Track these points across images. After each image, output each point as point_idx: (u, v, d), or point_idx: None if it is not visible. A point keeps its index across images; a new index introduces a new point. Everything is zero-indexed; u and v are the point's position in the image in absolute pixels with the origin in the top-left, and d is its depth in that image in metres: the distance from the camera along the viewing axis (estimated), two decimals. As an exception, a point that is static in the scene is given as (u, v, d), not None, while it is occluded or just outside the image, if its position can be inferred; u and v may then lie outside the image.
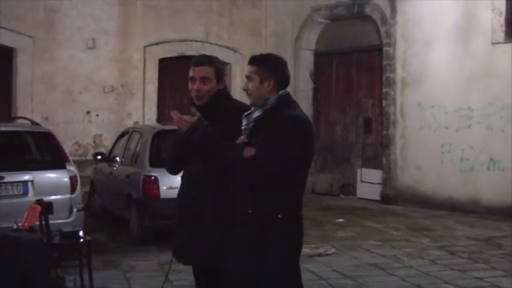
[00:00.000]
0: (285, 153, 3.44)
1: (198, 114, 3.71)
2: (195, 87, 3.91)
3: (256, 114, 3.58)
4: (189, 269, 4.23)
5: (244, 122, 3.62)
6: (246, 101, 3.81)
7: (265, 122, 3.53)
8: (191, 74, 3.93)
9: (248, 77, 3.64)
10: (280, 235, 3.48)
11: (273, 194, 3.47)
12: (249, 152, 3.47)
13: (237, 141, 3.60)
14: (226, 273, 3.58)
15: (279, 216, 3.47)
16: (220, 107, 3.92)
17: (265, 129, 3.49)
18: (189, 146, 3.75)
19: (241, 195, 3.55)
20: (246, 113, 3.64)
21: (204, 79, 3.90)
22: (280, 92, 3.61)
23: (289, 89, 3.72)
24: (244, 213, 3.51)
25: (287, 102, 3.61)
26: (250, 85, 3.63)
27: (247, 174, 3.46)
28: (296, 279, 3.57)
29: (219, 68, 4.00)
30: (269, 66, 3.64)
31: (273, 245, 3.46)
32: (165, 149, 4.23)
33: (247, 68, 3.68)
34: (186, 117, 3.70)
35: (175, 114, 3.70)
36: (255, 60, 3.66)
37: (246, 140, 3.58)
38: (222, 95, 3.98)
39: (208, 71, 3.92)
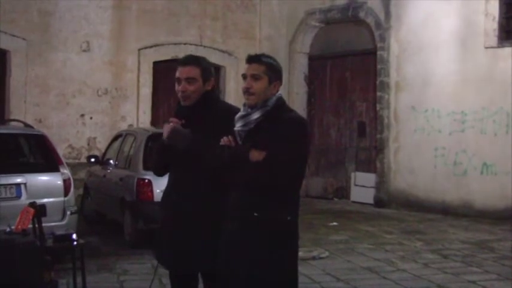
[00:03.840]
0: (299, 155, 3.46)
1: (177, 122, 3.74)
2: (180, 88, 3.85)
3: (256, 115, 3.50)
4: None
5: (239, 124, 3.54)
6: (240, 104, 3.76)
7: (264, 124, 3.48)
8: (177, 74, 3.87)
9: (254, 76, 3.50)
10: (289, 236, 3.51)
11: (281, 196, 3.46)
12: (257, 154, 3.40)
13: (222, 143, 3.54)
14: (221, 274, 3.55)
15: (289, 218, 3.49)
16: (208, 108, 3.86)
17: (267, 131, 3.44)
18: (169, 151, 3.78)
19: (243, 197, 3.47)
20: (240, 114, 3.56)
21: (189, 79, 3.83)
22: (277, 94, 3.58)
23: (283, 92, 3.71)
24: (248, 216, 3.45)
25: (283, 104, 3.59)
26: (257, 85, 3.50)
27: (264, 177, 3.39)
28: (297, 277, 3.62)
29: (206, 68, 3.90)
30: (278, 67, 3.59)
31: (283, 245, 3.47)
32: (153, 152, 4.27)
33: (250, 67, 3.54)
34: (167, 125, 3.75)
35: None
36: (262, 60, 3.54)
37: (240, 142, 3.53)
38: (210, 96, 3.91)
39: (193, 71, 3.85)
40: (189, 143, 3.70)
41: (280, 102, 3.56)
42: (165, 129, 3.81)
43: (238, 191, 3.51)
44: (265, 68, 3.53)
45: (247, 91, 3.52)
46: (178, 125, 3.76)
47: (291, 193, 3.53)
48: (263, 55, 3.62)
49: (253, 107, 3.53)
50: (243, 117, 3.55)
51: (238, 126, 3.56)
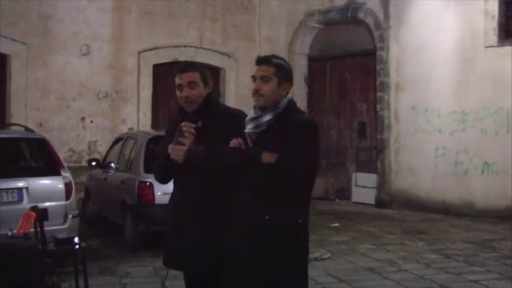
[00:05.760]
0: (311, 157, 3.44)
1: (191, 126, 3.71)
2: (184, 93, 3.87)
3: (267, 118, 3.47)
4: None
5: (250, 126, 3.51)
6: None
7: (276, 126, 3.46)
8: (178, 81, 3.88)
9: (264, 78, 3.47)
10: (300, 238, 3.49)
11: (293, 199, 3.43)
12: (269, 157, 3.38)
13: (232, 145, 3.52)
14: (229, 275, 3.53)
15: (300, 221, 3.46)
16: (211, 112, 3.87)
17: (279, 134, 3.41)
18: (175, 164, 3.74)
19: (252, 198, 3.43)
20: (251, 117, 3.54)
21: (191, 84, 3.85)
22: (288, 96, 3.56)
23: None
24: (257, 218, 3.41)
25: (294, 106, 3.57)
26: (266, 87, 3.47)
27: (275, 179, 3.36)
28: (307, 278, 3.60)
29: (204, 72, 3.95)
30: (288, 69, 3.57)
31: (294, 246, 3.45)
32: (157, 157, 4.22)
33: (260, 68, 3.51)
34: (178, 146, 3.65)
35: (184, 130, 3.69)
36: (272, 61, 3.52)
37: (251, 144, 3.51)
38: (212, 100, 3.95)
39: (194, 75, 3.87)
40: (205, 160, 3.63)
41: (291, 104, 3.54)
42: (175, 151, 3.67)
43: (247, 193, 3.46)
44: (275, 69, 3.50)
45: (256, 93, 3.50)
46: (192, 143, 3.69)
47: (302, 195, 3.49)
48: (273, 56, 3.59)
49: (263, 109, 3.50)
50: (254, 119, 3.52)
51: (249, 128, 3.52)
